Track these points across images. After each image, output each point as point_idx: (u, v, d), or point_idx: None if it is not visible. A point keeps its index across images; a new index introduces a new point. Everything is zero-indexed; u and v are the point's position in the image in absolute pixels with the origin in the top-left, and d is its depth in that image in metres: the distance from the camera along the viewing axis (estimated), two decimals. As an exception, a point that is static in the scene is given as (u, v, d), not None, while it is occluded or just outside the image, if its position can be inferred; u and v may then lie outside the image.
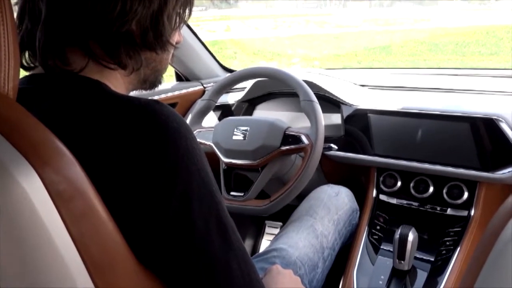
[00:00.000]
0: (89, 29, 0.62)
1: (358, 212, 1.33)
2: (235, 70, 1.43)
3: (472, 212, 1.24)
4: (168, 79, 1.88)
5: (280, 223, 1.78)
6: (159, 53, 0.69)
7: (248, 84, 1.57)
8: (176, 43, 0.74)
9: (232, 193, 1.26)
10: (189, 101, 1.74)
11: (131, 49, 0.65)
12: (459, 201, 1.25)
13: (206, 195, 0.59)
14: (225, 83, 1.39)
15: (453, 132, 1.24)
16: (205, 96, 1.41)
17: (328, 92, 1.45)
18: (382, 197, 1.37)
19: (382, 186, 1.37)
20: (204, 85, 1.81)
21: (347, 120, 1.40)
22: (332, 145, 1.36)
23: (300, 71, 1.64)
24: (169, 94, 1.67)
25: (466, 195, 1.25)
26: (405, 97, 1.41)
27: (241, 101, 1.64)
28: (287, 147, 1.21)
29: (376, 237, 1.28)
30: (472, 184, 1.25)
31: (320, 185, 1.34)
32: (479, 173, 1.20)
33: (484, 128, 1.20)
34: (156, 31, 0.66)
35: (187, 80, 1.82)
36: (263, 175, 1.24)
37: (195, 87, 1.78)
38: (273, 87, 1.59)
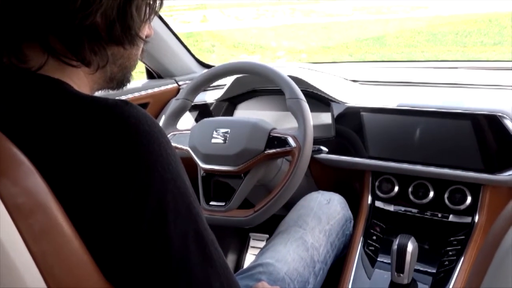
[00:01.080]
0: (48, 22, 0.62)
1: (352, 221, 1.34)
2: (213, 66, 1.44)
3: (476, 218, 1.26)
4: (138, 77, 1.87)
5: (266, 235, 1.79)
6: (127, 48, 0.69)
7: (228, 81, 1.58)
8: (147, 36, 0.74)
9: (211, 203, 1.27)
10: (162, 101, 1.74)
11: (95, 44, 0.65)
12: (462, 207, 1.28)
13: (183, 207, 0.59)
14: (202, 80, 1.39)
15: (453, 130, 1.26)
16: (180, 95, 1.41)
17: (317, 89, 1.46)
18: (378, 204, 1.39)
19: (378, 192, 1.39)
20: (179, 83, 1.81)
21: (338, 120, 1.42)
22: (322, 147, 1.37)
23: (285, 66, 1.66)
24: (139, 94, 1.66)
25: (469, 199, 1.27)
26: (401, 93, 1.43)
27: (220, 100, 1.64)
28: (273, 151, 1.22)
29: (372, 248, 1.30)
30: (475, 188, 1.27)
31: (309, 192, 1.35)
32: (483, 175, 1.22)
33: (487, 125, 1.23)
34: (124, 23, 0.65)
35: (160, 77, 1.82)
36: (246, 182, 1.24)
37: (169, 85, 1.78)
38: (256, 84, 1.60)
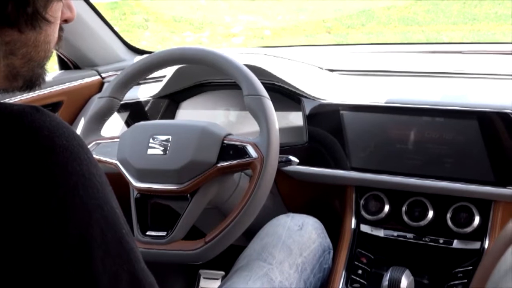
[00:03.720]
0: None
1: (332, 252, 1.38)
2: (148, 52, 1.44)
3: (487, 244, 1.31)
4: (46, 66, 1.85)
5: (222, 273, 1.80)
6: (24, 32, 0.68)
7: (168, 72, 1.59)
8: (66, 21, 0.75)
9: (149, 233, 1.28)
10: (80, 99, 1.74)
11: None
12: (469, 229, 1.33)
13: (113, 241, 0.61)
14: (134, 71, 1.40)
15: (457, 133, 1.31)
16: (105, 92, 1.41)
17: (283, 81, 1.49)
18: (364, 228, 1.43)
19: (363, 213, 1.43)
20: (102, 75, 1.81)
21: (311, 121, 1.45)
22: (291, 157, 1.38)
23: (242, 52, 1.67)
24: (49, 90, 1.65)
25: (477, 220, 1.32)
26: (392, 86, 1.47)
27: (158, 97, 1.65)
28: (227, 163, 1.24)
29: (358, 285, 1.33)
30: (485, 205, 1.32)
31: (276, 216, 1.38)
32: (494, 189, 1.28)
33: (498, 126, 1.28)
34: None
35: (77, 67, 1.81)
36: (193, 205, 1.26)
37: (89, 78, 1.78)
38: (204, 76, 1.62)
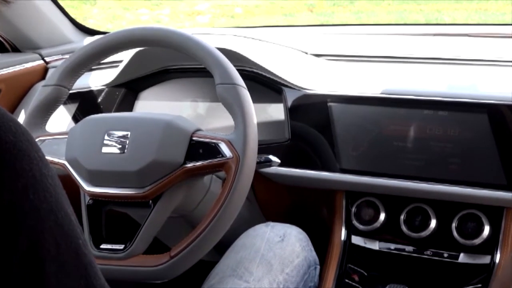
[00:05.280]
0: None
1: (318, 267, 1.38)
2: (102, 33, 1.44)
3: (498, 257, 1.33)
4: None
5: (189, 293, 1.81)
6: None
7: (125, 56, 1.59)
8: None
9: (103, 246, 1.27)
10: (19, 88, 1.73)
11: None
12: (477, 241, 1.34)
13: (68, 253, 0.61)
14: (85, 55, 1.39)
15: (464, 129, 1.32)
16: (50, 79, 1.40)
17: (262, 68, 1.50)
18: (356, 240, 1.44)
19: (355, 222, 1.44)
20: (46, 59, 1.80)
21: (294, 114, 1.46)
22: (271, 157, 1.39)
23: (212, 32, 1.67)
24: (-16, 77, 1.65)
25: (487, 230, 1.34)
26: (388, 74, 1.49)
27: (113, 86, 1.65)
28: (197, 164, 1.23)
29: (349, 306, 1.35)
30: (496, 213, 1.34)
31: (253, 225, 1.39)
32: (507, 193, 1.30)
33: (511, 120, 1.30)
34: None
35: (16, 50, 1.81)
36: (156, 213, 1.26)
37: (31, 63, 1.77)
38: (169, 61, 1.62)
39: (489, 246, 1.34)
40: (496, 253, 1.34)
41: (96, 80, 1.67)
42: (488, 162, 1.31)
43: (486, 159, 1.31)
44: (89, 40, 1.83)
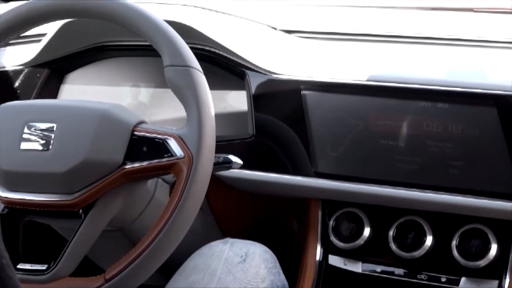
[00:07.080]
0: None
1: (288, 294, 1.38)
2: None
3: (507, 283, 1.33)
4: None
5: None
6: None
7: (49, 29, 1.57)
8: None
9: (21, 266, 1.25)
10: None
11: None
12: (483, 262, 1.34)
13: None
14: (-1, 27, 1.38)
15: (468, 125, 1.32)
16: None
17: (221, 46, 1.49)
18: (335, 260, 1.44)
19: (333, 239, 1.44)
20: None
21: (260, 104, 1.46)
22: (231, 157, 1.39)
23: (156, 2, 1.65)
24: None
25: (494, 249, 1.34)
26: (376, 56, 1.49)
27: (34, 65, 1.64)
28: (139, 165, 1.22)
29: None
30: (505, 228, 1.35)
31: (208, 242, 1.38)
32: None
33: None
34: None
35: None
36: (88, 226, 1.24)
37: None
38: (104, 36, 1.61)
39: (497, 269, 1.35)
40: (505, 278, 1.34)
41: (12, 58, 1.67)
42: (496, 166, 1.31)
43: (494, 162, 1.31)
44: (3, 8, 1.80)
